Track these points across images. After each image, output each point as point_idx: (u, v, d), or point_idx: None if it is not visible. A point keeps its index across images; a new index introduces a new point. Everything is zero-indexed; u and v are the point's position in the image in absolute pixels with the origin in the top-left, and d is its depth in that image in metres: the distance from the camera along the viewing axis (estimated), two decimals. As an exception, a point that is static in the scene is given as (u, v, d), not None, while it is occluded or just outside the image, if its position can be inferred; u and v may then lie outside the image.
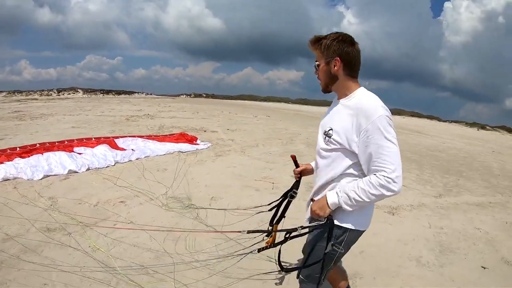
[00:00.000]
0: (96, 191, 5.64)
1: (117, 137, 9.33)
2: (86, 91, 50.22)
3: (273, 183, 6.79)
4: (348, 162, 2.11)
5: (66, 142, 8.34)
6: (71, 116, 15.55)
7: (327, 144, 2.19)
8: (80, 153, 7.55)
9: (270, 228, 2.83)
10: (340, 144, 2.09)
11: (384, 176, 1.91)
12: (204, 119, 17.94)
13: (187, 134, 10.66)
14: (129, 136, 9.69)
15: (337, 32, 2.14)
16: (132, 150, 8.27)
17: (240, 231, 2.66)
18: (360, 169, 2.10)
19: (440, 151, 16.56)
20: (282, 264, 2.82)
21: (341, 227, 2.18)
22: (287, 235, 2.40)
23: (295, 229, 2.34)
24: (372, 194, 1.95)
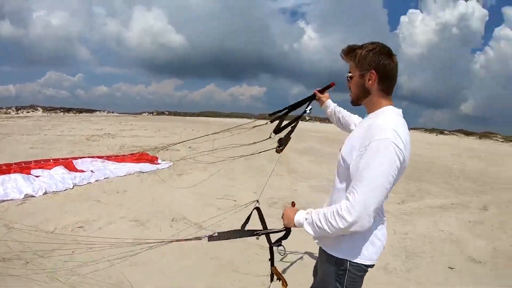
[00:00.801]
0: (54, 216, 5.46)
1: (75, 158, 9.10)
2: (46, 109, 48.99)
3: (235, 200, 6.77)
4: None
5: (23, 164, 8.05)
6: (30, 136, 15.13)
7: (338, 161, 2.01)
8: (37, 176, 7.31)
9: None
10: (344, 159, 1.91)
11: (346, 204, 1.71)
12: (166, 137, 17.74)
13: (148, 154, 10.50)
14: (89, 157, 9.46)
15: (374, 42, 1.95)
16: (91, 171, 8.06)
17: (201, 238, 2.65)
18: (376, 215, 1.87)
19: None
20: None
21: (342, 260, 1.97)
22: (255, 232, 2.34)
23: (256, 232, 2.32)
24: (329, 223, 1.75)
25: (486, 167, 17.92)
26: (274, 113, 2.96)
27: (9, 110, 44.34)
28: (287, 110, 2.89)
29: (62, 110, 50.29)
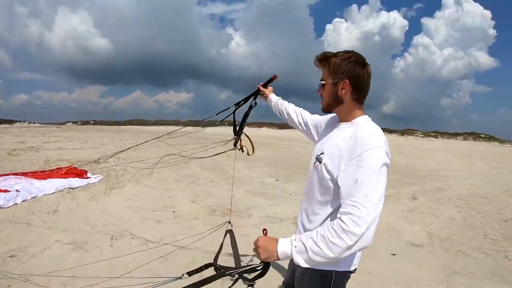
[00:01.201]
0: None
1: (-2, 176, 8.54)
2: (-44, 121, 45.93)
3: (174, 211, 6.64)
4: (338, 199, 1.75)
5: None
6: None
7: (316, 170, 1.93)
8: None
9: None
10: (329, 171, 1.81)
11: (351, 218, 1.54)
12: (93, 148, 17.25)
13: (76, 168, 10.03)
14: (12, 174, 8.90)
15: (349, 51, 1.93)
16: (17, 191, 7.52)
17: (181, 277, 2.11)
18: None
19: None
20: None
21: (326, 271, 1.89)
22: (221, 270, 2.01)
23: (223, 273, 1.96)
24: (334, 244, 1.54)
25: (410, 161, 19.09)
26: (220, 112, 3.05)
27: None
28: (234, 109, 2.97)
29: (-24, 121, 47.43)
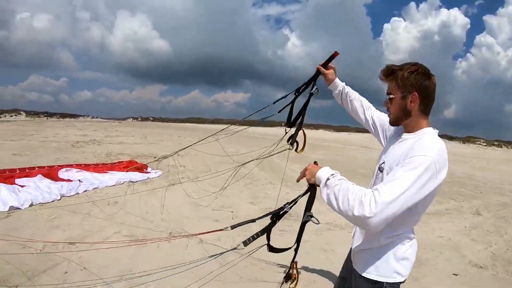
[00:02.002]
0: (42, 232, 5.13)
1: (61, 166, 8.81)
2: (29, 113, 48.42)
3: (232, 211, 6.60)
4: None
5: (7, 173, 7.72)
6: (13, 141, 14.78)
7: (377, 179, 2.04)
8: (22, 186, 7.00)
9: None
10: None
11: (369, 198, 1.65)
12: (153, 144, 17.55)
13: (136, 162, 10.24)
14: (75, 165, 9.18)
15: (415, 64, 1.96)
16: (79, 181, 7.77)
17: (222, 229, 2.66)
18: (414, 218, 1.99)
19: None
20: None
21: (375, 281, 1.99)
22: (274, 218, 2.43)
23: (281, 208, 2.34)
24: (347, 200, 1.69)
25: (473, 171, 18.27)
26: (279, 100, 2.89)
27: (-10, 113, 43.75)
28: (294, 96, 2.83)
29: (45, 114, 49.77)
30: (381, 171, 2.00)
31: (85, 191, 7.32)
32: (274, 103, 2.87)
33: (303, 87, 2.79)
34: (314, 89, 2.74)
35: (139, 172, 9.26)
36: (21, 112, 47.59)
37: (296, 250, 2.59)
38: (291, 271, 2.54)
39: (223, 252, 2.93)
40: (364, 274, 2.02)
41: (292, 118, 2.80)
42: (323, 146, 28.95)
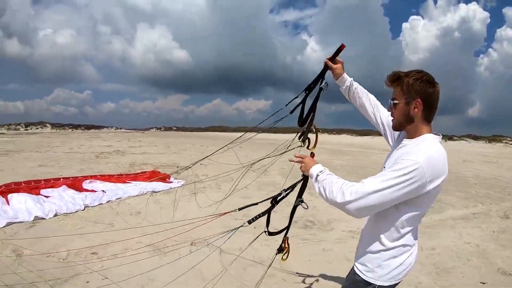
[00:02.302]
0: (65, 241, 5.21)
1: (86, 177, 8.94)
2: (55, 125, 49.43)
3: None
4: (397, 214, 1.98)
5: (32, 183, 7.87)
6: (39, 153, 15.10)
7: None
8: (47, 196, 7.14)
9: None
10: None
11: (350, 186, 1.90)
12: (175, 153, 17.69)
13: (159, 172, 10.34)
14: (99, 176, 9.29)
15: (420, 71, 2.01)
16: (103, 191, 7.88)
17: (231, 211, 3.09)
18: (410, 224, 2.03)
19: None
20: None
21: (369, 283, 2.09)
22: (273, 202, 2.70)
23: (279, 194, 2.64)
24: (332, 191, 1.96)
25: (500, 172, 17.87)
26: (291, 102, 2.86)
27: (18, 127, 44.73)
28: (304, 94, 2.79)
29: (70, 126, 50.70)
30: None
31: (109, 201, 7.42)
32: (286, 105, 2.85)
33: (313, 85, 2.75)
34: (323, 83, 2.70)
35: (162, 181, 9.31)
36: (47, 125, 48.63)
37: (288, 228, 2.94)
38: (283, 245, 2.88)
39: (234, 230, 3.33)
40: (360, 274, 2.14)
41: (304, 116, 2.76)
42: (346, 151, 28.76)
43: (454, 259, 5.39)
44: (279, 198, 2.64)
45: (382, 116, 2.53)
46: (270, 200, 2.71)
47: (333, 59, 2.63)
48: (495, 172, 17.48)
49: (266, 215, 2.88)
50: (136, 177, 9.74)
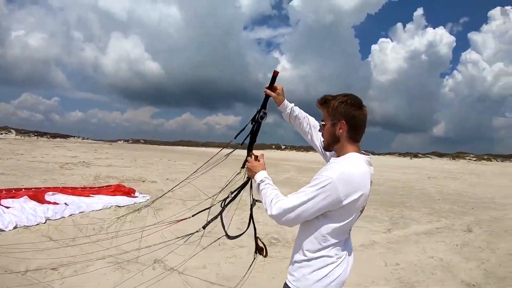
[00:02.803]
0: (25, 256, 4.99)
1: (48, 189, 8.72)
2: (20, 132, 48.42)
3: (219, 238, 6.49)
4: (317, 226, 2.07)
5: (-7, 193, 7.64)
6: (1, 160, 14.73)
7: None
8: (7, 207, 6.92)
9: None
10: None
11: (278, 199, 2.05)
12: (142, 167, 17.55)
13: (124, 186, 10.18)
14: (62, 188, 9.08)
15: (347, 95, 2.15)
16: (65, 204, 7.67)
17: (186, 218, 3.27)
18: (332, 237, 2.07)
19: (380, 184, 17.39)
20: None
21: None
22: (222, 204, 2.85)
23: (227, 197, 2.78)
24: (265, 203, 2.14)
25: (463, 187, 18.39)
26: (238, 134, 2.89)
27: (-19, 130, 43.59)
28: (251, 126, 2.81)
29: (36, 134, 49.73)
30: None
31: (71, 215, 7.22)
32: (235, 137, 2.91)
33: (258, 115, 2.77)
34: (259, 114, 2.74)
35: (127, 196, 9.16)
36: (12, 130, 47.54)
37: (254, 228, 2.86)
38: (259, 244, 2.78)
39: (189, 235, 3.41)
40: (289, 284, 2.18)
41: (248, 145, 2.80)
42: (313, 168, 28.97)
43: (418, 273, 5.49)
44: (227, 201, 2.77)
45: (319, 137, 2.59)
46: (220, 204, 2.84)
47: (270, 87, 2.70)
48: (458, 188, 17.97)
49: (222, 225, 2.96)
50: (100, 190, 9.56)
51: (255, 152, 2.55)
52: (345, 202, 1.93)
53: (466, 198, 14.17)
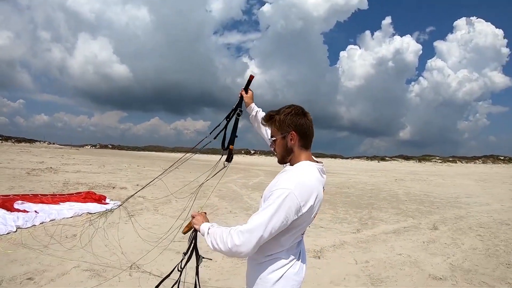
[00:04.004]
0: None
1: (18, 197, 8.57)
2: (-18, 136, 46.94)
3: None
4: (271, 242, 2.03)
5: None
6: (-36, 166, 14.31)
7: (260, 204, 2.18)
8: (-25, 216, 6.77)
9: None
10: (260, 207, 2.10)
11: (235, 229, 1.94)
12: (111, 173, 17.35)
13: (95, 193, 10.08)
14: (32, 196, 8.95)
15: (289, 106, 2.19)
16: (35, 212, 7.54)
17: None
18: (286, 241, 2.08)
19: (348, 187, 17.66)
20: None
21: None
22: (179, 269, 2.53)
23: (182, 259, 2.48)
24: (223, 240, 1.96)
25: (429, 188, 18.87)
26: (213, 130, 2.97)
27: None
28: (225, 122, 2.93)
29: (0, 138, 48.35)
30: (261, 197, 2.18)
31: (42, 222, 7.12)
32: (210, 133, 2.98)
33: (232, 114, 2.94)
34: (238, 110, 2.91)
35: (98, 203, 9.08)
36: (-27, 134, 45.97)
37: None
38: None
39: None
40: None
41: (227, 142, 2.90)
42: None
43: (387, 269, 5.70)
44: (183, 264, 2.54)
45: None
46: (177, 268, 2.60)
47: (246, 89, 2.91)
48: (424, 189, 18.44)
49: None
50: (70, 197, 9.44)
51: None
52: (303, 210, 1.96)
53: (431, 198, 14.63)
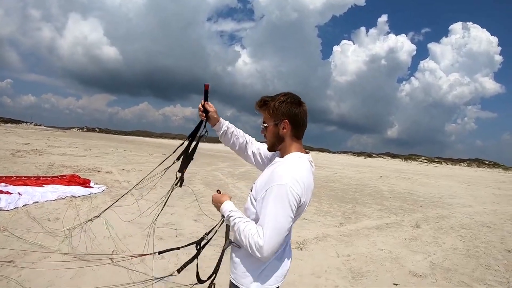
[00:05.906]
0: None
1: (1, 178, 8.51)
2: (-32, 116, 46.35)
3: (176, 229, 6.54)
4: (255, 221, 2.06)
5: None
6: None
7: (248, 197, 2.21)
8: (-43, 198, 6.70)
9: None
10: (252, 200, 2.13)
11: (256, 240, 1.89)
12: (97, 157, 17.25)
13: (79, 177, 10.00)
14: (15, 178, 8.88)
15: (285, 94, 2.16)
16: (19, 194, 7.47)
17: (150, 253, 2.86)
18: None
19: (334, 181, 17.85)
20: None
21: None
22: (198, 247, 2.54)
23: (202, 238, 2.51)
24: (242, 240, 1.97)
25: (413, 187, 19.07)
26: (175, 150, 2.76)
27: None
28: (187, 142, 2.68)
29: (-15, 118, 47.72)
30: (251, 190, 2.20)
31: (25, 205, 7.03)
32: (174, 151, 2.71)
33: (195, 132, 2.62)
34: (204, 133, 2.59)
35: (82, 186, 9.03)
36: (-43, 114, 45.43)
37: (215, 272, 2.53)
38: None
39: (164, 277, 3.03)
40: (232, 281, 2.20)
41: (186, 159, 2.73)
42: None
43: (368, 264, 5.79)
44: (202, 243, 2.54)
45: (261, 149, 2.58)
46: (194, 244, 2.57)
47: (206, 99, 2.50)
48: (409, 187, 18.66)
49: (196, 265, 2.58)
50: (54, 180, 9.37)
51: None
52: (303, 201, 1.97)
53: (415, 197, 14.82)
